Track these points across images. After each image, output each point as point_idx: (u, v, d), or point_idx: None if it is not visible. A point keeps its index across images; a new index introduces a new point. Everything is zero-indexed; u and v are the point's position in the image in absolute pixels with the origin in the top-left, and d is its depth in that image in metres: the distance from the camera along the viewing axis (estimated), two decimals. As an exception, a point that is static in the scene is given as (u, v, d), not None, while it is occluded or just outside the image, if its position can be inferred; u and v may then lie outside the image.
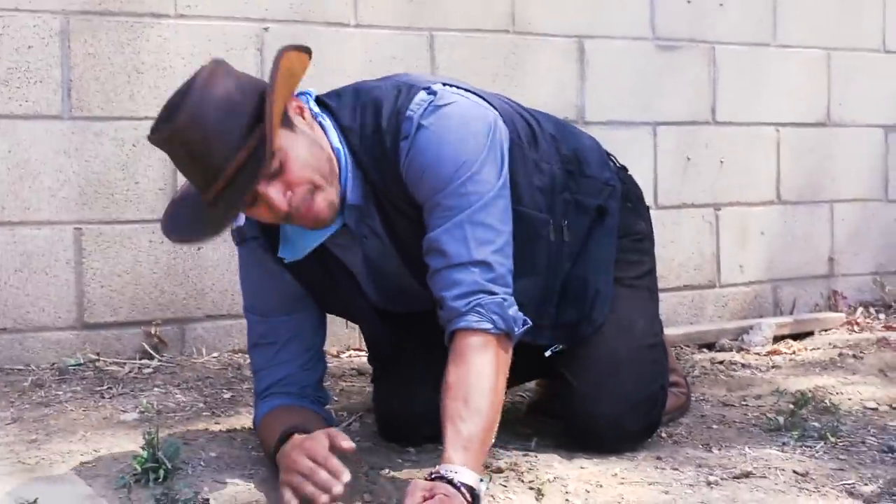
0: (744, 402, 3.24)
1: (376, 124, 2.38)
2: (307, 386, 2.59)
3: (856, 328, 4.51)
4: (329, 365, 3.58)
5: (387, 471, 2.48)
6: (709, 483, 2.43)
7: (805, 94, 4.84)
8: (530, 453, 2.64)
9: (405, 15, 4.02)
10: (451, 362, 2.28)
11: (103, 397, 3.18)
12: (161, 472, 2.32)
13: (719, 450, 2.72)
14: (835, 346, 4.11)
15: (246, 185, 2.19)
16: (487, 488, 2.28)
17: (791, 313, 4.70)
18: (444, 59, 4.06)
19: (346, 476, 2.20)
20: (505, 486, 2.40)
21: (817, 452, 2.68)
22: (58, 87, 3.55)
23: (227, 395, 3.22)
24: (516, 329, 2.34)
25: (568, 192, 2.61)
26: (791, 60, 4.79)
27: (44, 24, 3.53)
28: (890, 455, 2.67)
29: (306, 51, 2.35)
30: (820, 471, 2.53)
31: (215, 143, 2.18)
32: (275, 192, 2.24)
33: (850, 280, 4.95)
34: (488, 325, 2.29)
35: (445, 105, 2.38)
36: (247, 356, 2.99)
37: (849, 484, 2.43)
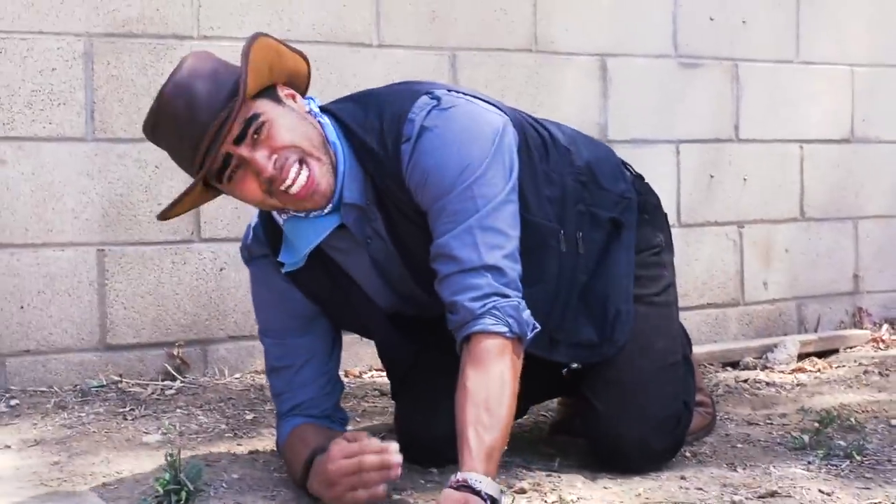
0: (769, 421, 3.22)
1: (378, 127, 2.37)
2: (327, 408, 2.59)
3: (881, 345, 4.49)
4: (351, 385, 3.60)
5: (409, 491, 2.47)
6: (734, 502, 2.41)
7: (829, 110, 4.82)
8: (553, 473, 2.62)
9: (427, 34, 4.02)
10: (468, 366, 2.26)
11: (126, 419, 3.18)
12: (183, 494, 2.31)
13: (744, 469, 2.70)
14: (860, 364, 4.09)
15: (222, 137, 2.22)
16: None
17: (816, 331, 4.67)
18: (465, 79, 4.05)
19: (395, 444, 2.24)
20: (528, 507, 2.40)
21: (843, 471, 2.66)
22: (81, 109, 3.57)
23: (249, 417, 3.22)
24: (529, 333, 2.33)
25: (582, 204, 2.58)
26: (815, 77, 4.77)
27: (67, 46, 3.54)
28: (917, 474, 2.66)
29: (300, 54, 2.40)
30: (846, 490, 2.51)
31: (200, 106, 2.23)
32: (259, 156, 2.25)
33: (876, 297, 4.92)
34: (504, 329, 2.27)
35: (448, 108, 2.36)
36: (269, 377, 2.99)
37: (875, 503, 2.41)
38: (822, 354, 4.30)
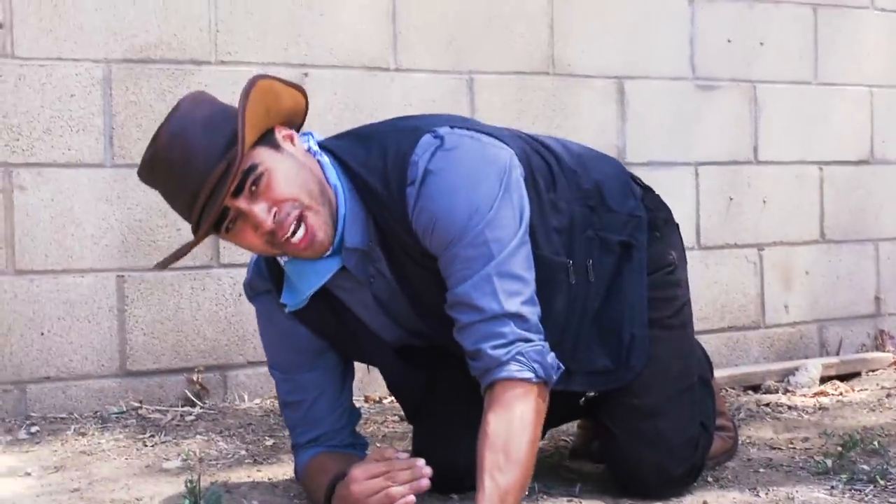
0: (791, 445, 3.20)
1: (381, 167, 2.31)
2: (344, 438, 2.58)
3: (904, 368, 4.47)
4: (371, 411, 3.59)
5: (430, 518, 2.47)
6: (757, 528, 2.40)
7: (848, 131, 4.81)
8: (574, 499, 2.61)
9: (444, 58, 4.03)
10: (491, 411, 2.23)
11: (146, 445, 3.18)
12: (203, 521, 2.32)
13: (767, 493, 2.68)
14: (882, 387, 4.07)
15: (221, 192, 2.15)
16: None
17: (837, 354, 4.65)
18: (483, 102, 4.06)
19: (421, 460, 2.24)
20: (549, 533, 2.39)
21: (867, 496, 2.64)
22: (100, 134, 3.58)
23: (269, 442, 3.21)
24: (554, 376, 2.31)
25: (591, 230, 2.53)
26: (833, 98, 4.76)
27: (86, 72, 3.55)
28: (941, 498, 2.63)
29: (298, 89, 2.34)
30: (870, 515, 2.49)
31: (196, 159, 2.17)
32: (258, 209, 2.20)
33: (898, 319, 4.90)
34: (530, 375, 2.25)
35: (452, 149, 2.30)
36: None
37: (900, 528, 2.40)
38: (843, 378, 4.27)
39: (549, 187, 2.47)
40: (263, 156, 2.21)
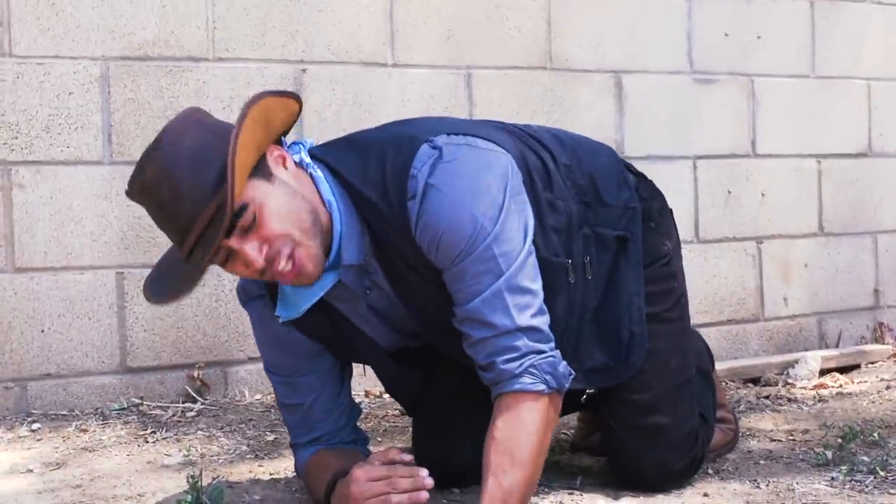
0: (791, 437, 3.21)
1: (378, 180, 2.27)
2: (344, 437, 2.56)
3: (903, 360, 4.47)
4: (371, 405, 3.59)
5: (432, 511, 2.47)
6: (757, 520, 2.41)
7: (846, 124, 4.81)
8: (575, 492, 2.61)
9: (442, 53, 4.03)
10: (500, 417, 2.23)
11: (147, 441, 3.18)
12: (205, 516, 2.32)
13: (767, 485, 2.69)
14: (882, 379, 4.07)
15: (212, 239, 2.10)
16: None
17: (837, 346, 4.66)
18: (481, 97, 4.06)
19: (424, 470, 2.21)
20: (551, 526, 2.39)
21: (867, 487, 2.64)
22: (98, 132, 3.58)
23: (270, 438, 3.22)
24: (566, 385, 2.30)
25: (587, 226, 2.50)
26: (831, 91, 4.77)
27: (84, 70, 3.56)
28: (941, 489, 2.64)
29: (293, 97, 2.28)
30: (870, 506, 2.50)
31: (185, 196, 2.11)
32: (250, 248, 2.15)
33: (896, 311, 4.91)
34: (542, 387, 2.24)
35: (451, 161, 2.26)
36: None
37: (900, 519, 2.41)
38: (843, 370, 4.28)
39: (546, 187, 2.44)
40: (254, 191, 2.14)
